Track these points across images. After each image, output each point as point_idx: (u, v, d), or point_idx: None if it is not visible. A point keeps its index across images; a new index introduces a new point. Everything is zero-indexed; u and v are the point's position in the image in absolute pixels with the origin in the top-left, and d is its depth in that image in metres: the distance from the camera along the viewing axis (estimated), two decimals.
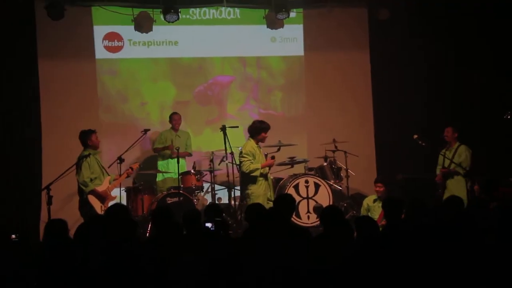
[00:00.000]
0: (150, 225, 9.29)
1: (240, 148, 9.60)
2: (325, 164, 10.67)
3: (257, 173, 9.20)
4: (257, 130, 9.35)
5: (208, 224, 5.89)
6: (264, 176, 9.30)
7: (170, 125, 10.84)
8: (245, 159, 9.21)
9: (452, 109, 11.45)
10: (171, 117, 10.84)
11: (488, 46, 11.23)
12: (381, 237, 5.58)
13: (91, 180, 8.87)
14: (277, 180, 10.18)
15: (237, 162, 9.68)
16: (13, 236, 5.50)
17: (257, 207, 6.42)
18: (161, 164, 10.76)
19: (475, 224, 5.38)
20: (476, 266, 4.85)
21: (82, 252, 4.91)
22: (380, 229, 6.12)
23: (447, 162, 9.85)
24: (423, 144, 9.75)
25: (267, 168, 9.36)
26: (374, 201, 9.51)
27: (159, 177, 10.68)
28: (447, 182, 9.83)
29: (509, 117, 9.65)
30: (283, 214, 6.20)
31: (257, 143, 9.36)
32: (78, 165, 8.79)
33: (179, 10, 10.66)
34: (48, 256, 5.01)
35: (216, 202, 10.33)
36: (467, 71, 11.32)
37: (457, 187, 9.56)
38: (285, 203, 6.50)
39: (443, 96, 11.56)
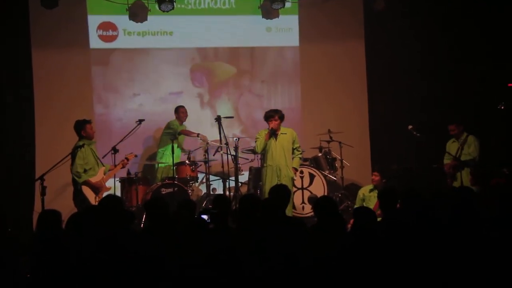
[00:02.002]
0: (144, 216, 9.27)
1: None
2: (320, 154, 10.69)
3: (260, 144, 9.25)
4: (265, 119, 9.42)
5: (204, 216, 5.87)
6: (271, 166, 9.26)
7: (175, 117, 10.78)
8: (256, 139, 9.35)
9: (447, 99, 11.44)
10: (178, 109, 10.80)
11: (483, 36, 11.22)
12: (378, 228, 5.57)
13: (85, 171, 8.80)
14: None
15: (232, 153, 9.67)
16: None
17: (251, 198, 6.40)
18: (161, 151, 10.71)
19: (472, 214, 5.38)
20: (472, 256, 4.84)
21: (74, 243, 4.88)
22: (379, 219, 6.13)
23: (453, 151, 9.81)
24: (418, 134, 9.75)
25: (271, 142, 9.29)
26: (370, 191, 9.48)
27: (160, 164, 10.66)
28: (458, 174, 9.67)
29: (503, 107, 9.65)
30: (277, 204, 6.18)
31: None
32: (72, 156, 8.74)
33: None
34: (41, 246, 4.99)
35: (211, 192, 10.33)
36: (462, 62, 11.32)
37: (467, 179, 9.51)
38: (279, 194, 6.48)
39: (438, 86, 11.55)
